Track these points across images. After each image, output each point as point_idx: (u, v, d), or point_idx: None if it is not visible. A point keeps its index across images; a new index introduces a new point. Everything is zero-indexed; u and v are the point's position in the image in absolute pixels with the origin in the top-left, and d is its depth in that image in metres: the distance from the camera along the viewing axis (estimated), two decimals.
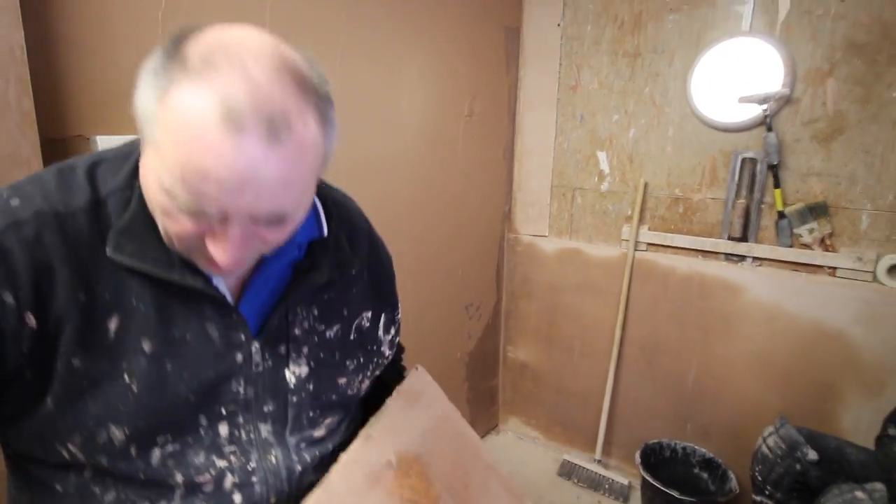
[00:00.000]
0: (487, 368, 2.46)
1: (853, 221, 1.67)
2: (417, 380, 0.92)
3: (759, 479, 1.57)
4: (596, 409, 2.23)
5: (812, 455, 1.47)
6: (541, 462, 2.31)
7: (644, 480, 1.89)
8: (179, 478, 0.55)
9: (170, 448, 0.54)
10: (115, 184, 0.53)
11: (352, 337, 0.68)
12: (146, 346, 0.52)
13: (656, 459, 2.01)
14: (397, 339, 0.79)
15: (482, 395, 2.46)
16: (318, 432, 0.65)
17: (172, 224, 0.47)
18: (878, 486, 1.29)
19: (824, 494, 1.34)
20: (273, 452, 0.60)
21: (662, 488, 1.80)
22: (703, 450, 1.99)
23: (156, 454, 0.53)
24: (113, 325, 0.51)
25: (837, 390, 1.74)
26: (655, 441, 2.04)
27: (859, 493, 1.27)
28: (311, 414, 0.64)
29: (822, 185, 1.70)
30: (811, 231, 1.71)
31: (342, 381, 0.67)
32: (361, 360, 0.69)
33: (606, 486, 2.12)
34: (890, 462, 1.40)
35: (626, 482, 2.11)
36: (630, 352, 2.14)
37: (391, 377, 0.84)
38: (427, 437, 0.88)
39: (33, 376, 0.49)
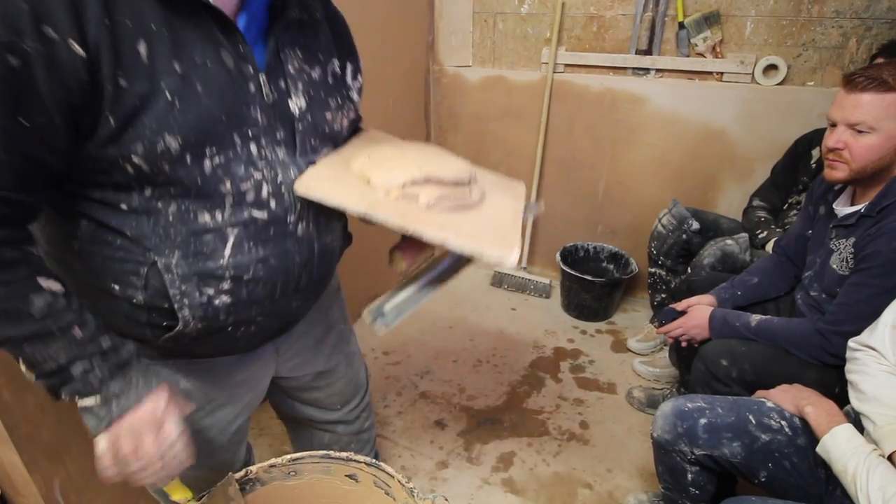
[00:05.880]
0: None
1: (739, 28, 1.88)
2: (375, 131, 1.02)
3: (654, 252, 1.93)
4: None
5: (695, 225, 1.82)
6: (475, 278, 2.61)
7: (563, 273, 2.23)
8: (228, 185, 0.66)
9: (217, 160, 0.65)
10: None
11: (329, 81, 0.80)
12: (177, 66, 0.59)
13: (572, 259, 2.35)
14: (362, 88, 0.90)
15: None
16: (318, 157, 0.79)
17: None
18: (743, 235, 1.65)
19: (705, 249, 1.69)
20: (291, 170, 0.73)
21: (577, 274, 2.15)
22: (611, 246, 2.36)
23: (207, 164, 0.64)
24: (143, 49, 0.57)
25: (717, 180, 2.09)
26: (571, 244, 2.37)
27: (729, 241, 1.62)
28: (312, 142, 0.76)
29: None
30: (705, 39, 1.92)
31: (328, 115, 0.79)
32: (339, 100, 0.82)
33: (532, 287, 2.47)
34: (751, 224, 1.77)
35: (547, 281, 2.47)
36: (550, 170, 2.38)
37: None
38: (395, 147, 1.01)
39: (93, 98, 0.56)
